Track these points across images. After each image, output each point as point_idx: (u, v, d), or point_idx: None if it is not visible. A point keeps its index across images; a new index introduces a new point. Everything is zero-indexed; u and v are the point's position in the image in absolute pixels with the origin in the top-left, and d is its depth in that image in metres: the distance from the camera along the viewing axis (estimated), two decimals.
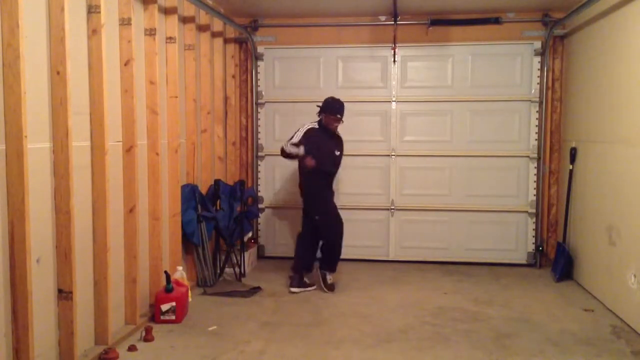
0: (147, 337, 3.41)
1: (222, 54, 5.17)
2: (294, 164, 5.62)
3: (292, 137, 4.58)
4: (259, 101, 5.67)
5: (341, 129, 5.55)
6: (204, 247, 4.54)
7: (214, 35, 5.04)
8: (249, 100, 5.71)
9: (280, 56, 5.63)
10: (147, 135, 3.80)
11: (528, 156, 5.38)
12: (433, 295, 4.46)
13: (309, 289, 4.60)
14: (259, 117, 5.69)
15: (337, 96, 5.14)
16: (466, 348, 3.37)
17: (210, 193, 4.81)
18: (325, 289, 4.58)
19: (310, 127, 4.61)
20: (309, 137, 4.55)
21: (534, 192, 5.40)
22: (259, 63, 5.65)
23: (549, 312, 4.05)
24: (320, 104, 4.62)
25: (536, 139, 5.35)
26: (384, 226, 5.60)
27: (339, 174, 4.98)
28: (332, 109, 4.56)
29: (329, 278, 4.63)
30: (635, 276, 3.68)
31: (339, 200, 5.63)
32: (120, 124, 3.46)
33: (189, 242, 4.47)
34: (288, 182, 5.72)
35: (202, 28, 4.76)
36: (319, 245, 4.71)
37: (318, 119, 4.65)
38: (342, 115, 4.59)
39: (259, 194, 5.75)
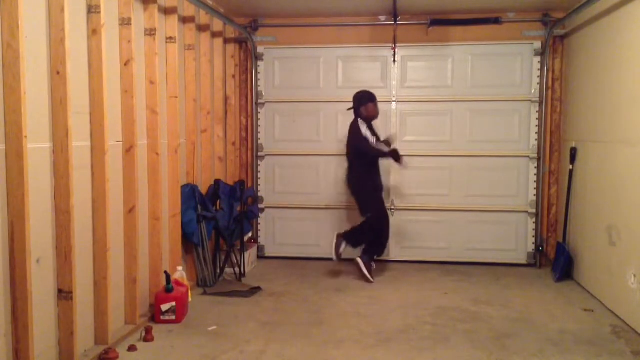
0: (147, 337, 3.40)
1: (222, 54, 5.17)
2: (293, 164, 5.66)
3: (369, 140, 4.68)
4: (259, 101, 5.67)
5: (342, 129, 5.61)
6: (204, 247, 4.54)
7: (214, 35, 5.04)
8: (249, 100, 5.71)
9: (280, 56, 5.63)
10: (147, 135, 3.80)
11: (528, 156, 5.38)
12: (433, 295, 4.46)
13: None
14: (259, 117, 5.69)
15: (337, 96, 5.23)
16: (466, 348, 3.37)
17: (210, 193, 4.81)
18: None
19: (362, 123, 4.73)
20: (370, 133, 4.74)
21: (534, 192, 5.40)
22: (259, 63, 5.65)
23: (549, 312, 4.05)
24: (354, 104, 4.81)
25: (536, 139, 5.35)
26: None
27: None
28: (371, 96, 4.80)
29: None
30: (635, 276, 3.68)
31: (340, 200, 5.64)
32: (120, 124, 3.46)
33: (189, 242, 4.47)
34: (288, 182, 5.73)
35: (202, 28, 4.76)
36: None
37: (353, 117, 4.83)
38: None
39: (259, 194, 5.75)
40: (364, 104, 4.77)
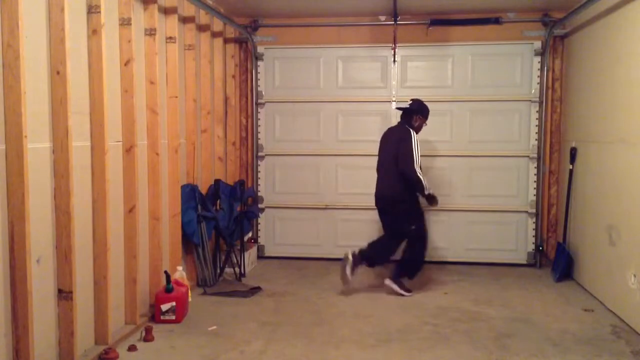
0: (147, 337, 3.40)
1: (222, 54, 5.17)
2: (293, 164, 5.66)
3: (415, 158, 4.29)
4: (259, 101, 5.67)
5: (342, 129, 5.60)
6: (204, 247, 4.54)
7: (214, 35, 5.04)
8: (249, 100, 5.71)
9: (280, 56, 5.63)
10: (147, 135, 3.80)
11: (528, 156, 5.38)
12: (433, 295, 4.46)
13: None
14: (259, 117, 5.69)
15: (337, 96, 5.18)
16: (466, 348, 3.37)
17: (210, 193, 4.81)
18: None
19: (414, 134, 4.38)
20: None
21: (534, 192, 5.40)
22: (259, 63, 5.65)
23: (549, 312, 4.05)
24: (413, 107, 4.53)
25: (536, 139, 5.35)
26: None
27: None
28: (428, 112, 4.60)
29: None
30: (635, 276, 3.68)
31: (340, 200, 5.65)
32: (120, 124, 3.46)
33: (189, 242, 4.47)
34: (288, 182, 5.72)
35: (202, 28, 4.76)
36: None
37: (400, 121, 4.59)
38: None
39: (259, 194, 5.75)
40: (424, 115, 4.55)
